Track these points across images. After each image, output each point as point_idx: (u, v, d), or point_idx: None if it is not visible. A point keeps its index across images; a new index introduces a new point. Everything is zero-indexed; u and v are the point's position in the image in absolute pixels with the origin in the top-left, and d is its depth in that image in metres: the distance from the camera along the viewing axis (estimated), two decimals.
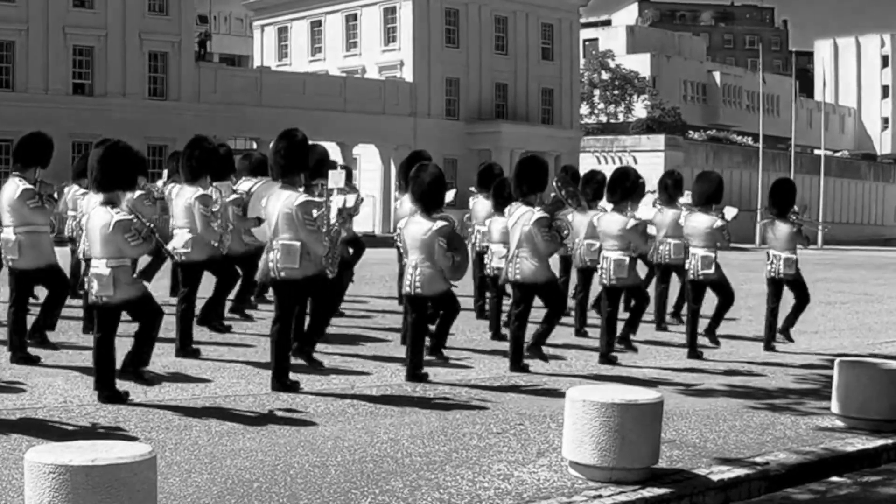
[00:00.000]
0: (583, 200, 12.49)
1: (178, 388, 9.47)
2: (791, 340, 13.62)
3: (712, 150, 71.20)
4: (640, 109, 77.62)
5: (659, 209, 14.92)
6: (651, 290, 16.19)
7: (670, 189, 15.05)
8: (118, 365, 8.84)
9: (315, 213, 9.50)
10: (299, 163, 9.68)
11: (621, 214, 12.04)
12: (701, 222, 12.71)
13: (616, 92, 78.10)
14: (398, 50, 57.30)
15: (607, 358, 12.03)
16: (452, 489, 6.64)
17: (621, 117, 77.29)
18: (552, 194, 11.64)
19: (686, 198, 14.64)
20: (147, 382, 8.96)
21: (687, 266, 12.93)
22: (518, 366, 11.21)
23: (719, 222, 12.62)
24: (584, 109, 74.05)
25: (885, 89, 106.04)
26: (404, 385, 10.21)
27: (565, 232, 11.34)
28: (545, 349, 11.43)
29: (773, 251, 13.44)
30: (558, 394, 9.35)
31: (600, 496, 6.64)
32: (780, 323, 13.63)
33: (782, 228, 13.36)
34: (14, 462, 6.59)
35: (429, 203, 10.38)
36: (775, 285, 13.54)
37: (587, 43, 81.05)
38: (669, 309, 15.62)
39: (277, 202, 9.53)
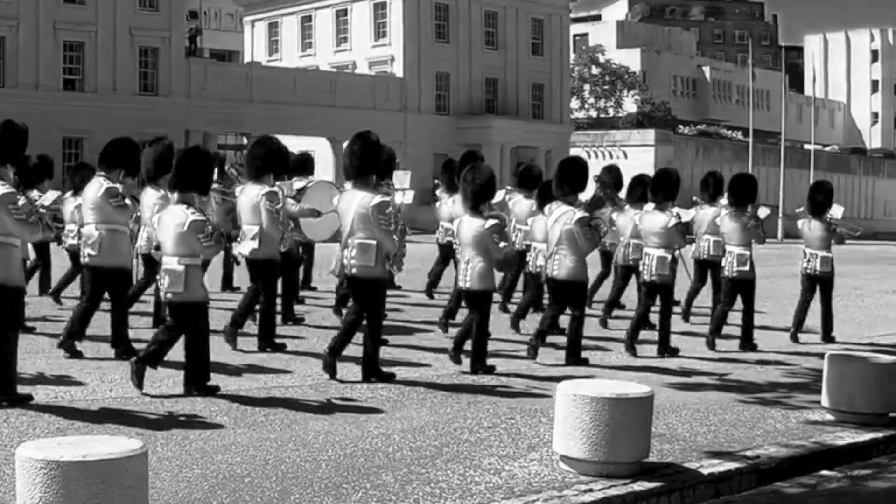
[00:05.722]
0: (619, 200, 12.75)
1: (172, 384, 9.46)
2: (797, 341, 13.99)
3: (702, 145, 71.34)
4: (630, 104, 77.66)
5: (700, 207, 15.20)
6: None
7: (711, 188, 15.43)
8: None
9: (388, 211, 9.83)
10: (373, 163, 10.03)
11: (663, 213, 12.33)
12: (734, 222, 13.08)
13: (606, 87, 78.13)
14: (388, 45, 57.29)
15: (668, 349, 12.43)
16: (443, 483, 6.66)
17: (611, 112, 77.33)
18: (592, 193, 11.94)
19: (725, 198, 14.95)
20: (208, 392, 8.99)
21: (723, 263, 13.31)
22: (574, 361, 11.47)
23: (752, 222, 13.00)
24: (575, 104, 74.04)
25: (874, 84, 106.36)
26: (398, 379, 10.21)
27: (603, 228, 11.89)
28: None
29: (810, 249, 13.85)
30: (550, 388, 9.36)
31: (591, 490, 6.66)
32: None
33: (818, 227, 13.77)
34: (6, 457, 6.58)
35: (478, 202, 10.68)
36: (811, 281, 13.94)
37: (577, 38, 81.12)
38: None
39: (353, 201, 9.85)
